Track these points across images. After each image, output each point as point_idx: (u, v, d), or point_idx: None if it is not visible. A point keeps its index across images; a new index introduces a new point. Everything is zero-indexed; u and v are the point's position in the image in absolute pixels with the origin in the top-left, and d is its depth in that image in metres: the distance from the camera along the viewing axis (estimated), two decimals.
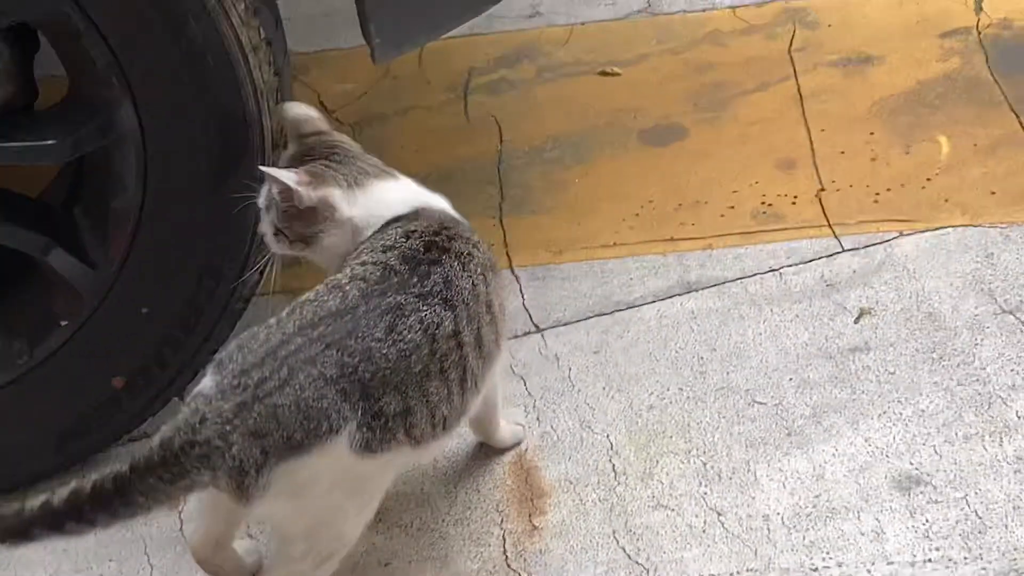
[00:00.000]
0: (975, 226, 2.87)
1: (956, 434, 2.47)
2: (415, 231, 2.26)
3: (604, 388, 2.70)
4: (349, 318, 2.13)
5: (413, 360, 2.13)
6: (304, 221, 2.31)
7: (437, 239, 2.25)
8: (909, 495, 2.39)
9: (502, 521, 2.49)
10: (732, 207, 3.04)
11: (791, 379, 2.63)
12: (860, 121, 3.21)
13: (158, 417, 2.71)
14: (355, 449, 2.10)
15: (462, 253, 2.24)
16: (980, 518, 2.33)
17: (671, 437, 2.57)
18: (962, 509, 2.34)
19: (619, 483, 2.51)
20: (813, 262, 2.86)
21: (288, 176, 2.26)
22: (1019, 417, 2.48)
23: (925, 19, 3.51)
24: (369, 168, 2.38)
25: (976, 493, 2.37)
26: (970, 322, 2.66)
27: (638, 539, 2.41)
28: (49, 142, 2.44)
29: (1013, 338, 2.62)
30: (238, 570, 2.43)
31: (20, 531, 2.10)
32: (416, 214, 2.32)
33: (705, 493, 2.46)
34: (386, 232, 2.28)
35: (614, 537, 2.42)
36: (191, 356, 2.62)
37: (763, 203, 3.04)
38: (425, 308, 2.16)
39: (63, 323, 2.56)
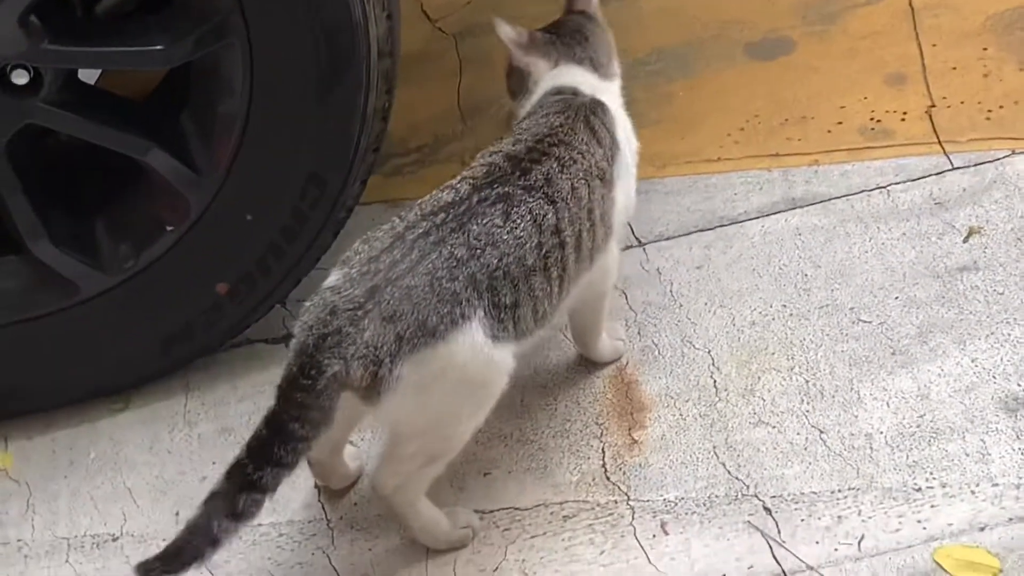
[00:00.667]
0: None
1: None
2: (522, 138, 2.32)
3: (706, 304, 2.68)
4: (466, 206, 2.18)
5: (527, 250, 2.17)
6: (515, 78, 2.48)
7: (539, 145, 2.30)
8: (1016, 417, 2.35)
9: (601, 434, 2.49)
10: (840, 123, 2.99)
11: (897, 298, 2.59)
12: (973, 36, 3.13)
13: (260, 323, 2.75)
14: (487, 335, 2.13)
15: (563, 158, 2.28)
16: None
17: (773, 354, 2.55)
18: None
19: (720, 399, 2.50)
20: (922, 180, 2.81)
21: (508, 32, 2.42)
22: None
23: None
24: (584, 56, 2.48)
25: None
26: None
27: (738, 455, 2.40)
28: (157, 47, 2.45)
29: None
30: (343, 475, 2.48)
31: (208, 532, 2.09)
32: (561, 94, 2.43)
33: (807, 411, 2.44)
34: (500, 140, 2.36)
35: (714, 453, 2.42)
36: (294, 264, 2.64)
37: (871, 119, 2.98)
38: (531, 200, 2.21)
39: (169, 228, 2.59)
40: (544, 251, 2.20)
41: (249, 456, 2.09)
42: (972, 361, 2.45)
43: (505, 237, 2.16)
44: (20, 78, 2.42)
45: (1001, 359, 2.44)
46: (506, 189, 2.21)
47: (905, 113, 2.98)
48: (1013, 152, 2.81)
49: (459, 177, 2.26)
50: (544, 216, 2.21)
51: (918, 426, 2.38)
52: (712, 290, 2.70)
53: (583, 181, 2.29)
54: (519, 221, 2.18)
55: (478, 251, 2.14)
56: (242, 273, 2.63)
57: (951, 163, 2.83)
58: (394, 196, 3.03)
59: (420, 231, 2.15)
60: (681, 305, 2.69)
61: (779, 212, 2.82)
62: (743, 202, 2.86)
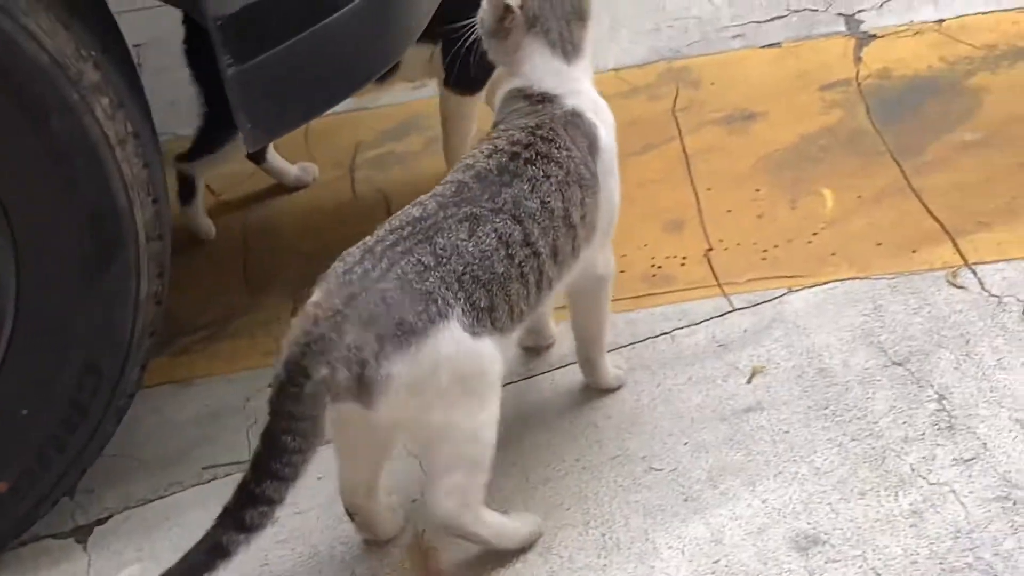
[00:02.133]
0: (862, 278, 2.88)
1: (851, 490, 2.45)
2: (498, 149, 2.40)
3: (500, 462, 2.64)
4: (432, 222, 2.28)
5: (495, 261, 2.27)
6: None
7: (511, 164, 2.37)
8: (807, 555, 2.37)
9: None
10: (622, 271, 3.01)
11: (686, 443, 2.61)
12: (746, 178, 3.22)
13: (47, 518, 2.66)
14: (467, 330, 2.22)
15: (535, 177, 2.37)
16: (879, 575, 2.31)
17: (568, 509, 2.54)
18: (860, 566, 2.32)
19: (517, 560, 2.48)
20: (704, 323, 2.86)
21: None
22: (913, 470, 2.46)
23: (805, 73, 3.54)
24: (559, 32, 2.51)
25: (874, 549, 2.34)
26: (861, 376, 2.66)
27: None
28: None
29: (904, 390, 2.61)
30: (386, 524, 2.53)
31: (217, 545, 2.15)
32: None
33: (604, 565, 2.43)
34: (480, 144, 2.46)
35: None
36: (77, 455, 2.58)
37: (653, 265, 3.04)
38: (498, 220, 2.30)
39: None
40: (517, 261, 2.30)
41: (252, 472, 2.15)
42: (762, 502, 2.47)
43: (470, 249, 2.26)
44: None
45: (790, 498, 2.47)
46: (473, 210, 2.30)
47: (685, 258, 3.04)
48: (790, 290, 2.88)
49: (429, 193, 2.34)
50: (510, 234, 2.30)
51: (713, 572, 2.38)
52: (506, 446, 2.66)
53: (556, 193, 2.37)
54: (484, 238, 2.28)
55: (444, 259, 2.23)
56: (22, 469, 2.55)
57: (731, 304, 2.88)
58: (182, 376, 2.99)
59: (388, 243, 2.24)
60: None
61: (568, 364, 2.83)
62: (533, 357, 2.87)
